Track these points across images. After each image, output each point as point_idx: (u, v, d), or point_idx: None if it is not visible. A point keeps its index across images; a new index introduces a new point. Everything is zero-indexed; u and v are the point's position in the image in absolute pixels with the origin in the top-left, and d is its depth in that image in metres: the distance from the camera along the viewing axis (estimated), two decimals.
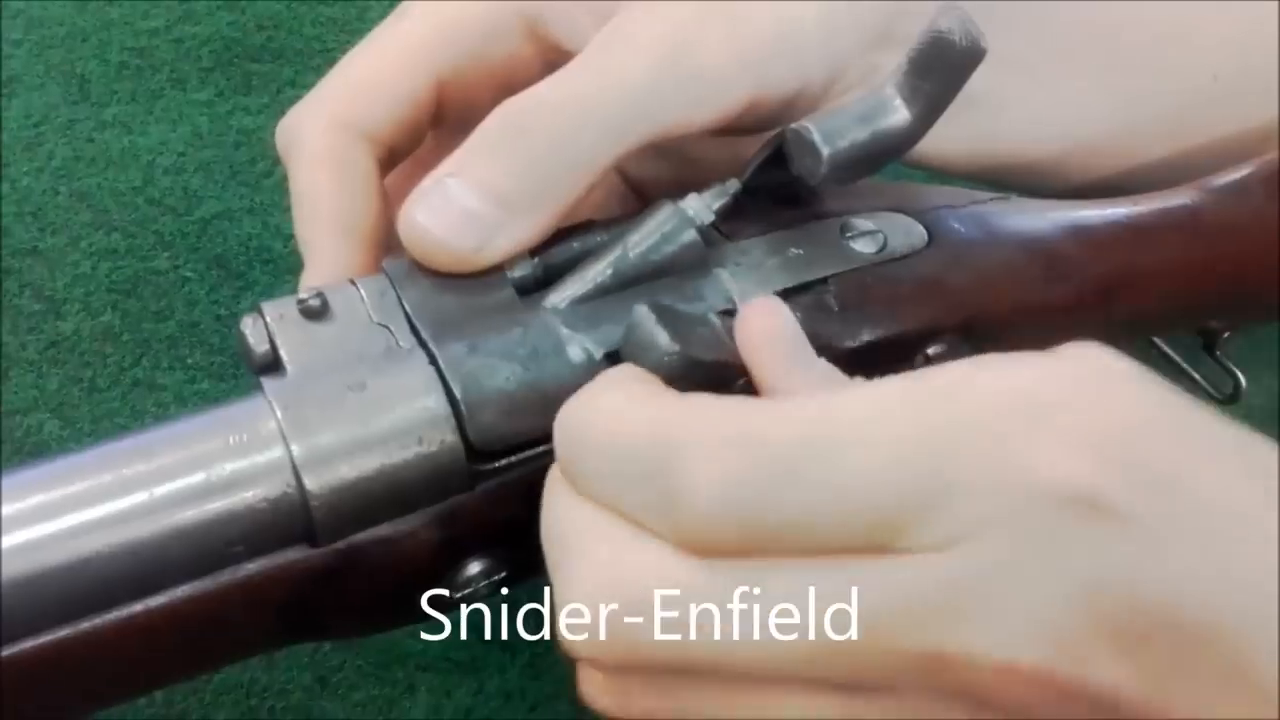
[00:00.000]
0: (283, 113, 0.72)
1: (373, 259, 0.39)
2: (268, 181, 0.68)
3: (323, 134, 0.41)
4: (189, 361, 0.60)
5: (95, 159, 0.69)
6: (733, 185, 0.37)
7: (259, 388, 0.33)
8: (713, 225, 0.37)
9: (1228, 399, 0.59)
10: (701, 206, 0.37)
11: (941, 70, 0.36)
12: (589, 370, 0.34)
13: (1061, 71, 0.52)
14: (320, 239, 0.40)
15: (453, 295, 0.35)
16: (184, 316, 0.62)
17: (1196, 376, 0.60)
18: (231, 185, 0.68)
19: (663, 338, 0.32)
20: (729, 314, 0.36)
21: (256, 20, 0.78)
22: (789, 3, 0.39)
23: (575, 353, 0.34)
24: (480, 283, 0.35)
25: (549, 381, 0.34)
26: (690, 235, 0.36)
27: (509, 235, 0.36)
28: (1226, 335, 0.55)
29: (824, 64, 0.40)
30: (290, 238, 0.65)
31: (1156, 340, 0.60)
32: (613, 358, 0.34)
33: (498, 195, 0.35)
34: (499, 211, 0.35)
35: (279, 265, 0.64)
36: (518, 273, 0.36)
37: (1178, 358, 0.61)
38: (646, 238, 0.36)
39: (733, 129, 0.39)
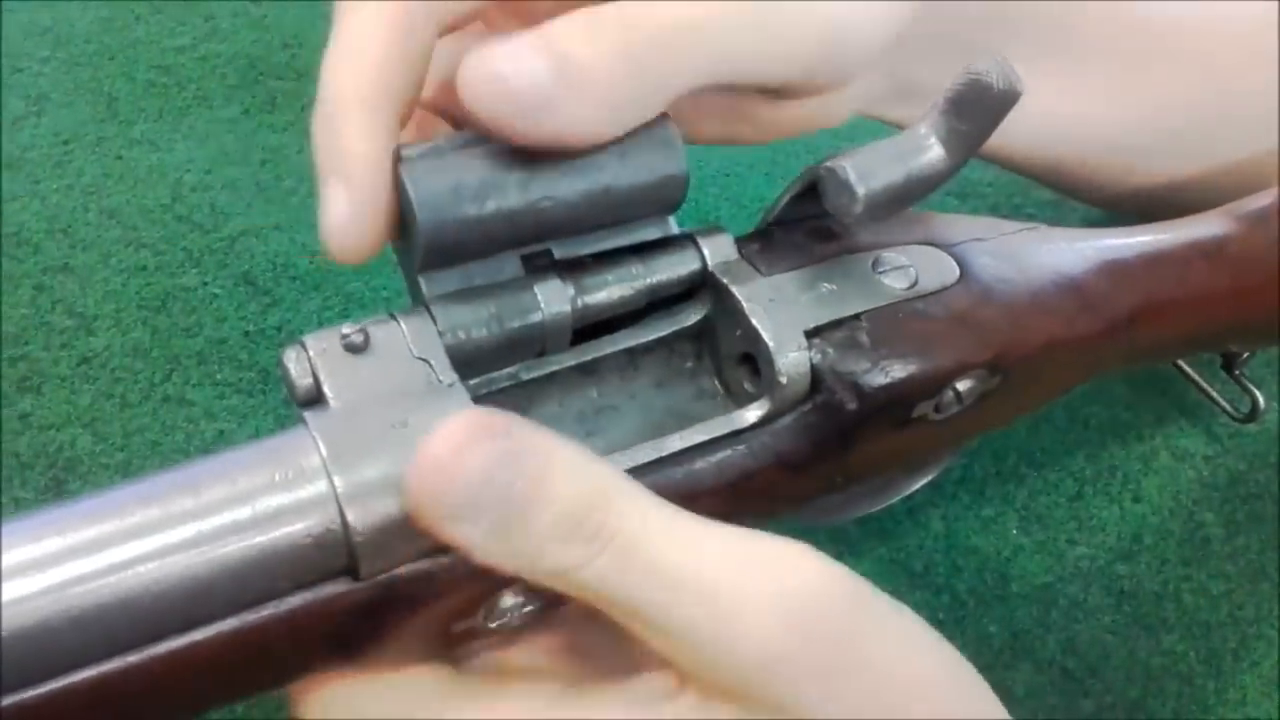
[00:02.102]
0: (308, 130, 0.73)
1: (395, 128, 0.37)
2: (293, 199, 0.69)
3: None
4: (218, 377, 0.61)
5: (124, 176, 0.69)
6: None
7: (302, 421, 0.33)
8: (746, 260, 0.38)
9: (1246, 417, 0.59)
10: (726, 244, 0.38)
11: (977, 112, 0.36)
12: None
13: (1093, 72, 0.52)
14: (351, 86, 0.36)
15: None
16: (212, 332, 0.63)
17: (1215, 395, 0.61)
18: (258, 202, 0.69)
19: None
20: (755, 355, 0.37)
21: (281, 38, 0.78)
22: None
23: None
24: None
25: None
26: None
27: (572, 112, 0.34)
28: (1246, 355, 0.55)
29: (871, 54, 0.41)
30: (316, 254, 0.66)
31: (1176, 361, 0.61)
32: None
33: (572, 72, 0.34)
34: (567, 87, 0.34)
35: (305, 282, 0.65)
36: (555, 309, 0.36)
37: (1196, 376, 0.61)
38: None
39: (784, 92, 0.40)
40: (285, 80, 0.76)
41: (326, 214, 0.35)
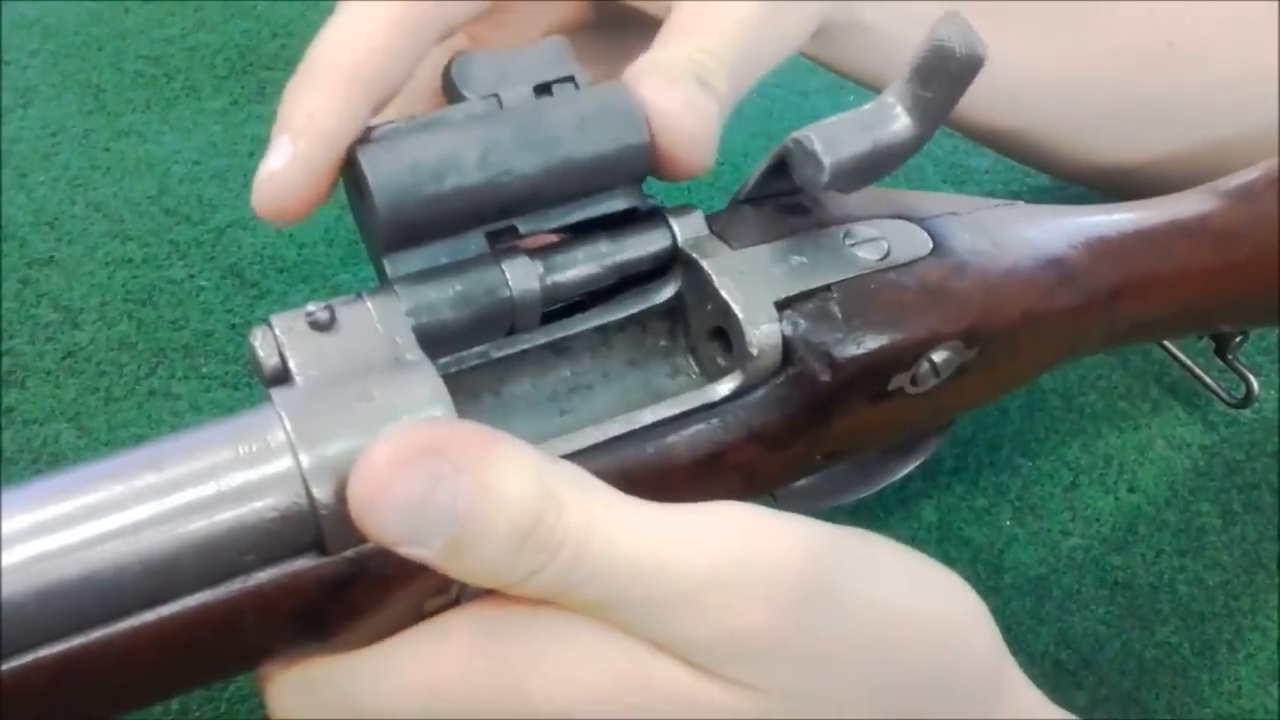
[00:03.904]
0: None
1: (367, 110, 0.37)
2: None
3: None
4: (204, 370, 0.61)
5: (111, 168, 0.69)
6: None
7: (268, 399, 0.33)
8: (716, 235, 0.38)
9: (1240, 403, 0.59)
10: (697, 221, 0.38)
11: (942, 79, 0.36)
12: None
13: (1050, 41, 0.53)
14: (334, 60, 0.36)
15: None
16: (199, 325, 0.62)
17: (1209, 381, 0.60)
18: (245, 194, 0.67)
19: None
20: (727, 329, 0.37)
21: (270, 28, 0.79)
22: None
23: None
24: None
25: None
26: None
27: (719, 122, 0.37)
28: (1239, 340, 0.55)
29: None
30: (303, 246, 0.65)
31: (1166, 345, 0.60)
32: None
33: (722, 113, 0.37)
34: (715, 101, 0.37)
35: (292, 274, 0.65)
36: (523, 286, 0.36)
37: (1189, 362, 0.61)
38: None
39: None
40: (275, 70, 0.76)
41: (264, 165, 0.35)
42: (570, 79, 0.37)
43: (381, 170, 0.34)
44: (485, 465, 0.30)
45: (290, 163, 0.34)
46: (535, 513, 0.30)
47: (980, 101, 0.56)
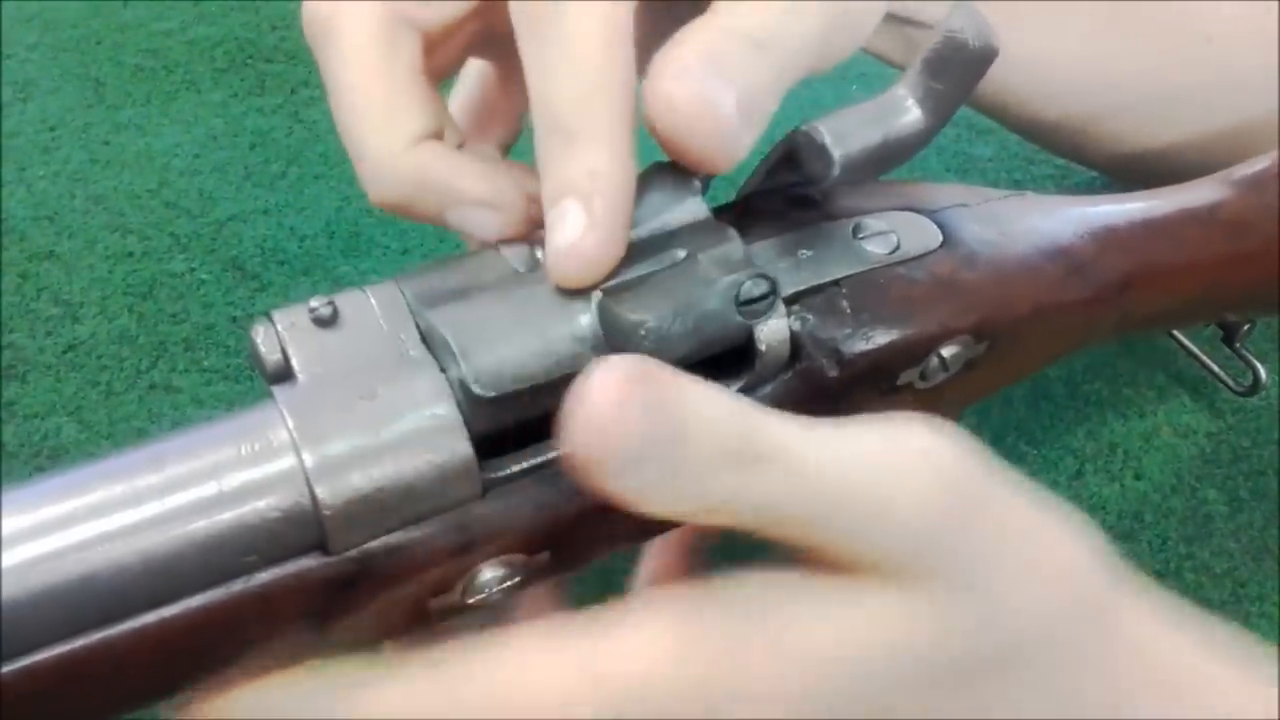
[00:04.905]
0: (297, 113, 0.73)
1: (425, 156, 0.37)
2: (282, 183, 0.69)
3: (367, 20, 0.38)
4: (205, 364, 0.61)
5: (111, 162, 0.69)
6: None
7: (270, 396, 0.33)
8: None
9: (1247, 391, 0.59)
10: (702, 214, 0.37)
11: (954, 71, 0.36)
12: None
13: (1111, 27, 0.54)
14: (372, 135, 0.37)
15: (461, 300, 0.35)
16: (200, 319, 0.62)
17: (1215, 369, 0.60)
18: (246, 187, 0.68)
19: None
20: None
21: (270, 20, 0.78)
22: None
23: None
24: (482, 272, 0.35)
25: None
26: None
27: (743, 144, 0.34)
28: (1246, 327, 0.54)
29: None
30: (305, 238, 0.65)
31: (1175, 333, 0.60)
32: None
33: (745, 103, 0.34)
34: (740, 119, 0.34)
35: (293, 266, 0.65)
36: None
37: (1196, 350, 0.61)
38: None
39: None
40: (274, 63, 0.76)
41: (560, 236, 0.33)
42: None
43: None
44: (687, 392, 0.29)
45: (590, 229, 0.33)
46: (739, 430, 0.29)
47: (1036, 93, 0.57)
